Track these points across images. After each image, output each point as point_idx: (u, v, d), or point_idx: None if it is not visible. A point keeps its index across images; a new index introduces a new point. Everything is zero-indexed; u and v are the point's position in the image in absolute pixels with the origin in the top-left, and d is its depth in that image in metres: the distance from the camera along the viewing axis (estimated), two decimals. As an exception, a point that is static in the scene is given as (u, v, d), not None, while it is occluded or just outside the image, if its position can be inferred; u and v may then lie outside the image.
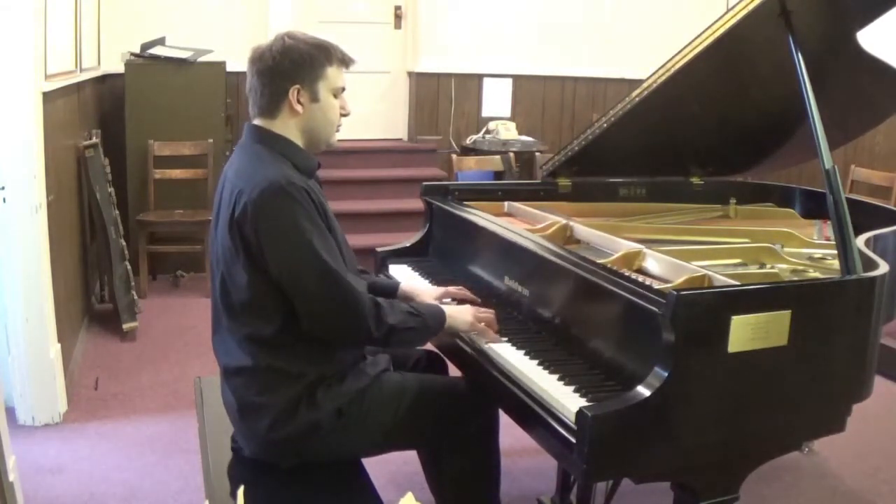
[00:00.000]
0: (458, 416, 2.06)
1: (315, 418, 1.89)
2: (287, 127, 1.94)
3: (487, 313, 2.09)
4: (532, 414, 1.80)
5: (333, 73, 1.94)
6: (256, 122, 1.97)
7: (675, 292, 1.63)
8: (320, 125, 1.96)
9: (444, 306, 2.10)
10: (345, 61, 1.97)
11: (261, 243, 1.81)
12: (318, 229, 1.85)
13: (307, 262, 1.82)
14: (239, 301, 1.88)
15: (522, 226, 2.52)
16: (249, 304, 1.86)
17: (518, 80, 6.57)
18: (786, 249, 2.31)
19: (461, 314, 2.07)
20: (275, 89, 1.92)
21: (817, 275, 2.15)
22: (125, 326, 4.22)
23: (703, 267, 1.97)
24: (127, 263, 4.45)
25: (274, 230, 1.81)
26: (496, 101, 6.54)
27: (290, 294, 1.84)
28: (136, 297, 4.42)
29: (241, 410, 1.93)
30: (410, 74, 6.43)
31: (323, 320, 1.87)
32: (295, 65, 1.90)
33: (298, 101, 1.91)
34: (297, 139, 1.96)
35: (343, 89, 1.98)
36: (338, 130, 2.02)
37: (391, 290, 2.29)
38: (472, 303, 2.20)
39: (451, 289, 2.27)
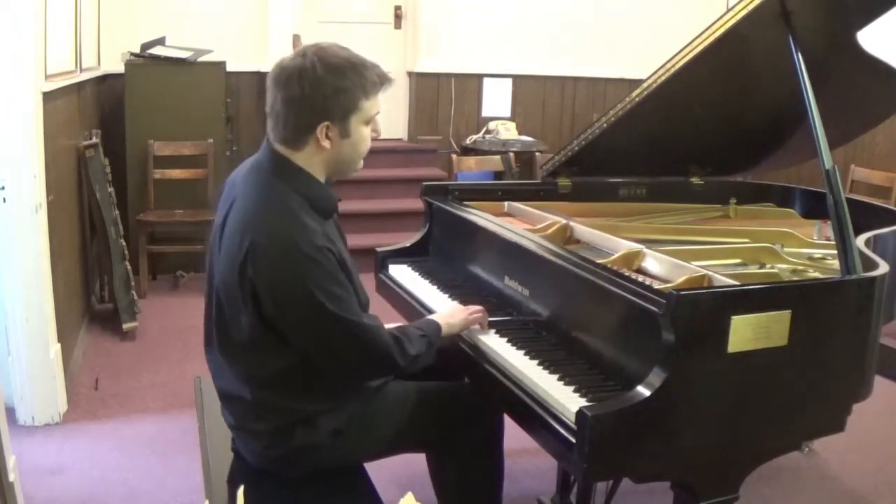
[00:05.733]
0: (460, 422, 2.04)
1: (312, 440, 1.86)
2: (310, 161, 1.79)
3: (478, 311, 2.11)
4: (532, 414, 1.79)
5: (368, 105, 1.78)
6: (277, 147, 1.80)
7: (675, 292, 1.63)
8: (347, 159, 1.83)
9: (436, 316, 2.09)
10: (383, 85, 1.81)
11: (282, 310, 1.73)
12: (341, 288, 1.76)
13: (337, 328, 1.75)
14: (238, 339, 1.82)
15: (522, 226, 2.52)
16: (249, 345, 1.80)
17: (518, 80, 6.56)
18: (786, 249, 2.31)
19: (454, 318, 2.08)
20: (301, 123, 1.74)
21: (817, 275, 2.15)
22: (125, 326, 4.22)
23: (703, 267, 1.97)
24: (127, 263, 4.45)
25: (297, 301, 1.71)
26: (496, 101, 6.54)
27: (315, 354, 1.80)
28: (136, 297, 4.42)
29: (238, 430, 1.93)
30: (410, 74, 6.43)
31: (356, 370, 1.89)
32: (326, 100, 1.72)
33: (327, 137, 1.76)
34: (320, 172, 1.82)
35: (377, 113, 1.83)
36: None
37: None
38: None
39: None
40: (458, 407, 2.06)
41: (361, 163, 1.89)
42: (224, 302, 1.83)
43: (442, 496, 2.16)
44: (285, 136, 1.78)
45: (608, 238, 2.31)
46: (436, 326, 2.03)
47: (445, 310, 2.18)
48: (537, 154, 5.98)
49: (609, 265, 2.01)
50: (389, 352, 1.86)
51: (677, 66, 2.35)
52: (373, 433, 1.95)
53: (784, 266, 2.19)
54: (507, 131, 6.22)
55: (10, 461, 2.48)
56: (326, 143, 1.76)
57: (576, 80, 6.67)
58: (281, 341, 1.78)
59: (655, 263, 2.09)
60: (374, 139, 1.87)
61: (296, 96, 1.72)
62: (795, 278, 2.12)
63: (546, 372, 1.86)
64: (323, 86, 1.71)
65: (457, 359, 2.19)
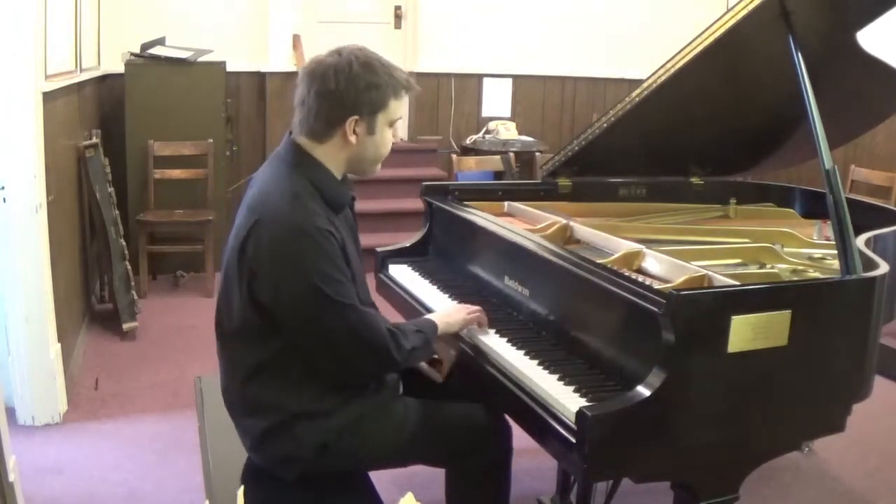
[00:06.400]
0: (472, 443, 1.99)
1: (292, 451, 1.84)
2: (332, 155, 1.85)
3: (476, 311, 2.11)
4: (532, 414, 1.79)
5: (395, 106, 1.85)
6: (300, 139, 1.86)
7: (675, 292, 1.63)
8: (369, 157, 1.89)
9: (433, 315, 2.09)
10: (408, 90, 1.88)
11: (278, 289, 1.74)
12: (340, 273, 1.77)
13: (331, 311, 1.75)
14: (228, 327, 1.84)
15: (522, 226, 2.52)
16: (238, 330, 1.82)
17: (518, 80, 6.57)
18: (786, 249, 2.31)
19: (452, 317, 2.09)
20: (332, 116, 1.80)
21: (817, 275, 2.15)
22: (125, 326, 4.22)
23: (703, 267, 1.97)
24: (127, 263, 4.45)
25: (293, 279, 1.73)
26: (496, 101, 6.54)
27: (310, 338, 1.79)
28: (136, 297, 4.42)
29: (236, 427, 1.94)
30: (410, 74, 6.40)
31: (349, 359, 1.83)
32: (359, 95, 1.79)
33: (354, 132, 1.82)
34: (339, 168, 1.87)
35: (400, 118, 1.90)
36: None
37: None
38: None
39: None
40: (470, 428, 2.01)
41: (379, 166, 1.94)
42: (222, 287, 1.85)
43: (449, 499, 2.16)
44: (313, 129, 1.83)
45: (608, 238, 2.31)
46: (432, 325, 2.03)
47: (444, 309, 2.18)
48: (537, 154, 5.98)
49: (609, 265, 2.01)
50: (385, 343, 1.84)
51: (677, 66, 2.36)
52: (364, 452, 1.90)
53: (784, 266, 2.19)
54: (507, 131, 6.22)
55: (10, 461, 2.48)
56: (353, 138, 1.82)
57: (576, 80, 6.67)
58: (269, 329, 1.79)
59: (655, 263, 2.09)
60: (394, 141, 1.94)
61: (330, 89, 1.78)
62: (795, 278, 2.12)
63: (546, 372, 1.86)
64: (357, 81, 1.78)
65: (469, 378, 2.15)
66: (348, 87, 1.78)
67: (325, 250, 1.75)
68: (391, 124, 1.88)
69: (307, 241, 1.73)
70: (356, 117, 1.81)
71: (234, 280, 1.80)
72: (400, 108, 1.88)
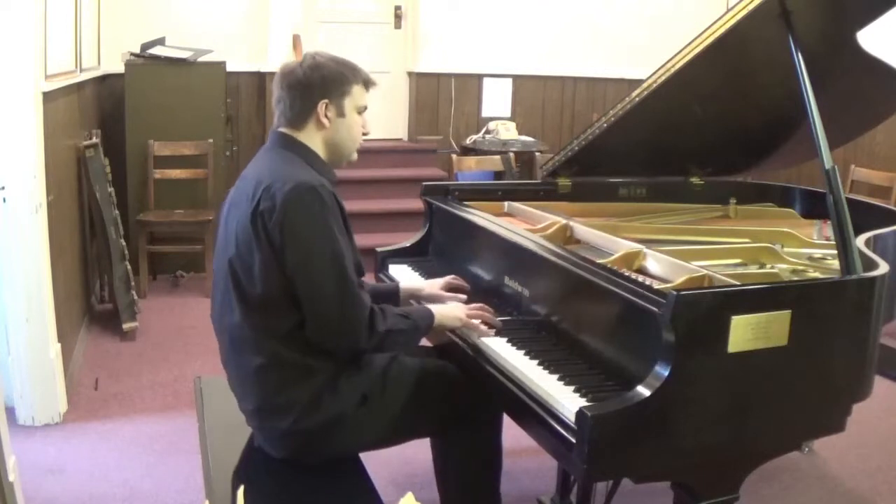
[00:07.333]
0: (472, 397, 2.08)
1: (340, 408, 1.92)
2: (312, 139, 2.01)
3: (477, 310, 2.13)
4: (532, 414, 1.80)
5: (358, 92, 2.03)
6: (282, 130, 2.03)
7: (675, 292, 1.63)
8: (344, 139, 2.04)
9: (432, 306, 2.14)
10: (368, 83, 2.05)
11: (283, 238, 1.84)
12: (342, 235, 1.91)
13: (327, 263, 1.86)
14: (254, 295, 1.89)
15: (522, 226, 2.52)
16: (265, 298, 1.88)
17: (518, 80, 6.56)
18: (786, 249, 2.31)
19: (451, 311, 2.12)
20: (305, 102, 1.98)
21: (817, 275, 2.15)
22: (125, 326, 4.22)
23: (703, 267, 1.97)
24: (127, 263, 4.45)
25: (301, 227, 1.85)
26: (496, 101, 6.54)
27: (300, 291, 1.87)
28: (136, 297, 4.42)
29: (263, 411, 1.94)
30: (410, 74, 6.43)
31: (325, 323, 1.88)
32: (325, 80, 1.98)
33: (326, 115, 1.99)
34: (320, 151, 2.03)
35: (365, 108, 2.06)
36: (357, 150, 2.10)
37: (392, 293, 2.32)
38: (465, 291, 2.31)
39: (449, 279, 2.34)
40: (464, 382, 2.10)
41: (355, 154, 2.10)
42: (238, 257, 1.90)
43: (444, 481, 2.17)
44: (290, 118, 2.00)
45: (608, 238, 2.31)
46: (427, 312, 2.07)
47: (446, 304, 2.19)
48: (537, 154, 5.98)
49: (609, 265, 2.01)
50: (363, 315, 1.89)
51: (677, 66, 2.36)
52: (393, 404, 2.00)
53: (784, 266, 2.19)
54: (507, 131, 6.22)
55: (10, 461, 2.48)
56: (325, 121, 1.99)
57: (576, 80, 6.67)
58: (291, 294, 1.87)
59: (655, 263, 2.09)
60: (368, 137, 2.11)
61: (299, 79, 1.97)
62: (795, 278, 2.12)
63: (546, 372, 1.86)
64: (321, 68, 1.98)
65: (448, 354, 2.21)
66: (313, 73, 1.97)
67: (327, 203, 1.88)
68: (359, 111, 2.04)
69: (312, 192, 1.86)
70: (326, 101, 1.98)
71: (251, 242, 1.87)
72: (364, 97, 2.05)
